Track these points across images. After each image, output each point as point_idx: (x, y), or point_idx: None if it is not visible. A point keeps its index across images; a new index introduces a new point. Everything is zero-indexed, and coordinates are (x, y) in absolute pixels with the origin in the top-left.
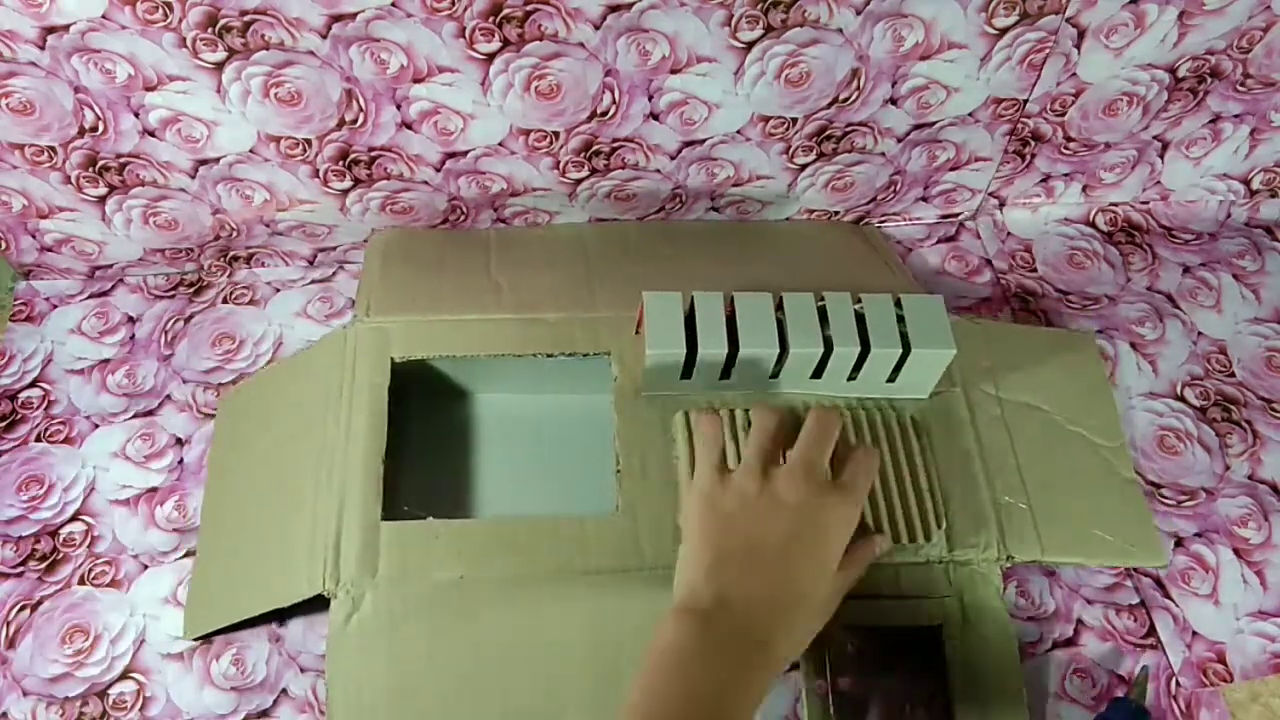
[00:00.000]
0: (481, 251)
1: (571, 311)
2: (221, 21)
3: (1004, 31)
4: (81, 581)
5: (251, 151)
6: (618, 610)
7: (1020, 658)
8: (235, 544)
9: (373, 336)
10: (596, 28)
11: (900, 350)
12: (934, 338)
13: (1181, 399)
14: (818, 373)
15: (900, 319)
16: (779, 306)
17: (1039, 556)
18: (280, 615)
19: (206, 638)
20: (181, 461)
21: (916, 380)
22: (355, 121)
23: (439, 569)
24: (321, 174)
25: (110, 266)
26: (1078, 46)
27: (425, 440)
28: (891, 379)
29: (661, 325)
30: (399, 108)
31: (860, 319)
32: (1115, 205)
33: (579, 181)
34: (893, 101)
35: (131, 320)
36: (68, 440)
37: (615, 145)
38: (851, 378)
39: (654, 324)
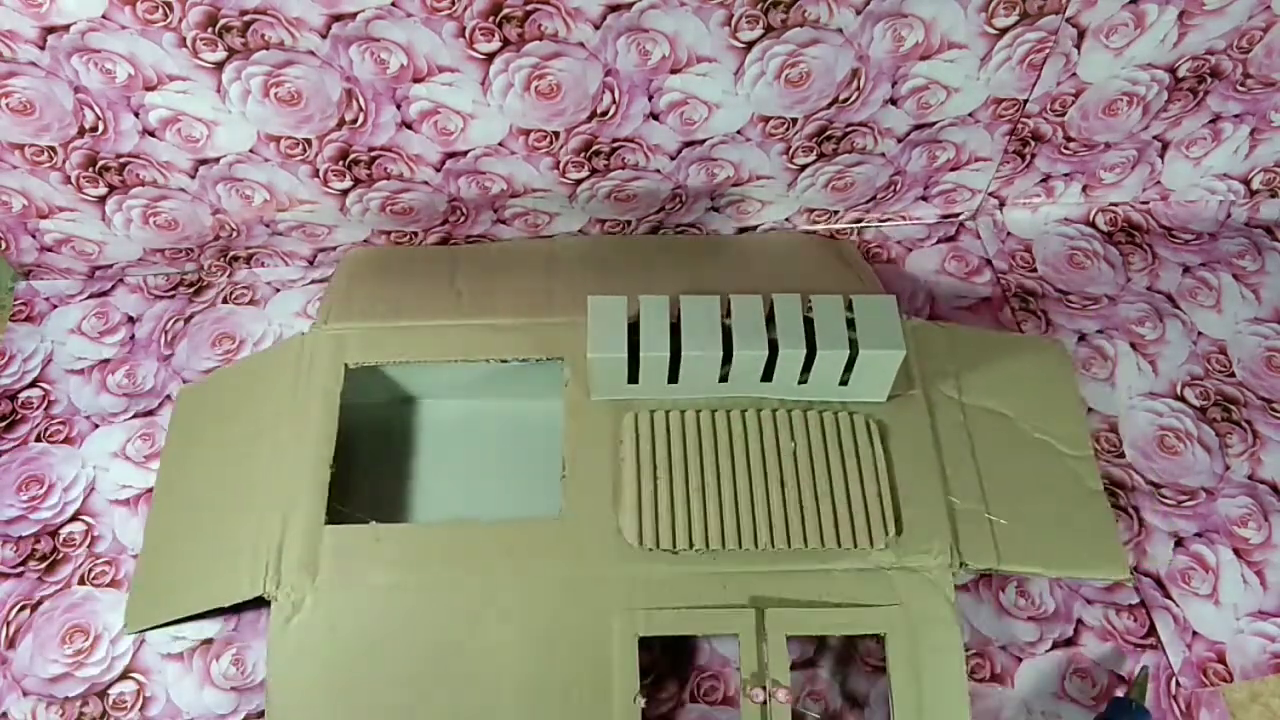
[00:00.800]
0: (448, 264)
1: (527, 317)
2: (221, 21)
3: (1004, 31)
4: (81, 581)
5: (251, 151)
6: (556, 614)
7: (967, 670)
8: (182, 540)
9: (329, 343)
10: (596, 27)
11: (848, 351)
12: (883, 339)
13: (1181, 399)
14: (767, 375)
15: (850, 321)
16: (725, 309)
17: (995, 565)
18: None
19: (207, 641)
20: None
21: (870, 382)
22: (355, 121)
23: (379, 572)
24: (321, 174)
25: (110, 266)
26: (1078, 46)
27: (376, 445)
28: (844, 381)
29: (604, 328)
30: (399, 108)
31: (809, 321)
32: (1115, 205)
33: (579, 182)
34: (893, 101)
35: (131, 320)
36: (68, 440)
37: (615, 145)
38: (802, 380)
39: (597, 327)
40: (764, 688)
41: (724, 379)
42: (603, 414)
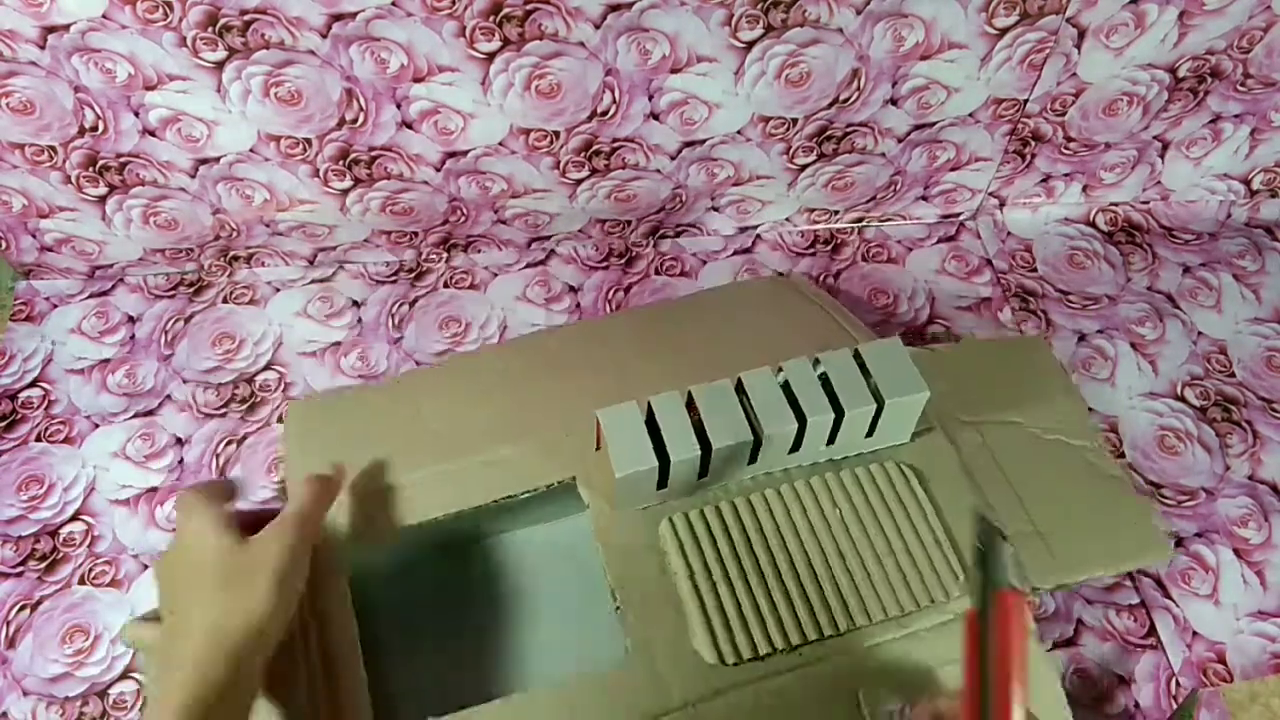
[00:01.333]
0: (407, 401)
1: (516, 443)
2: (221, 21)
3: (1004, 31)
4: (81, 581)
5: (251, 151)
6: None
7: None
8: None
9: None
10: (597, 27)
11: (874, 405)
12: (904, 384)
13: (1181, 399)
14: (795, 447)
15: (865, 371)
16: (739, 389)
17: (1061, 579)
18: None
19: None
20: (181, 461)
21: (895, 428)
22: (355, 121)
23: None
24: (321, 174)
25: (110, 266)
26: (1078, 46)
27: (401, 625)
28: (870, 433)
29: (625, 441)
30: (399, 107)
31: (826, 382)
32: (1115, 205)
33: (579, 182)
34: (893, 102)
35: (131, 320)
36: (68, 440)
37: (615, 145)
38: (830, 442)
39: (617, 441)
40: None
41: (752, 460)
42: (635, 529)
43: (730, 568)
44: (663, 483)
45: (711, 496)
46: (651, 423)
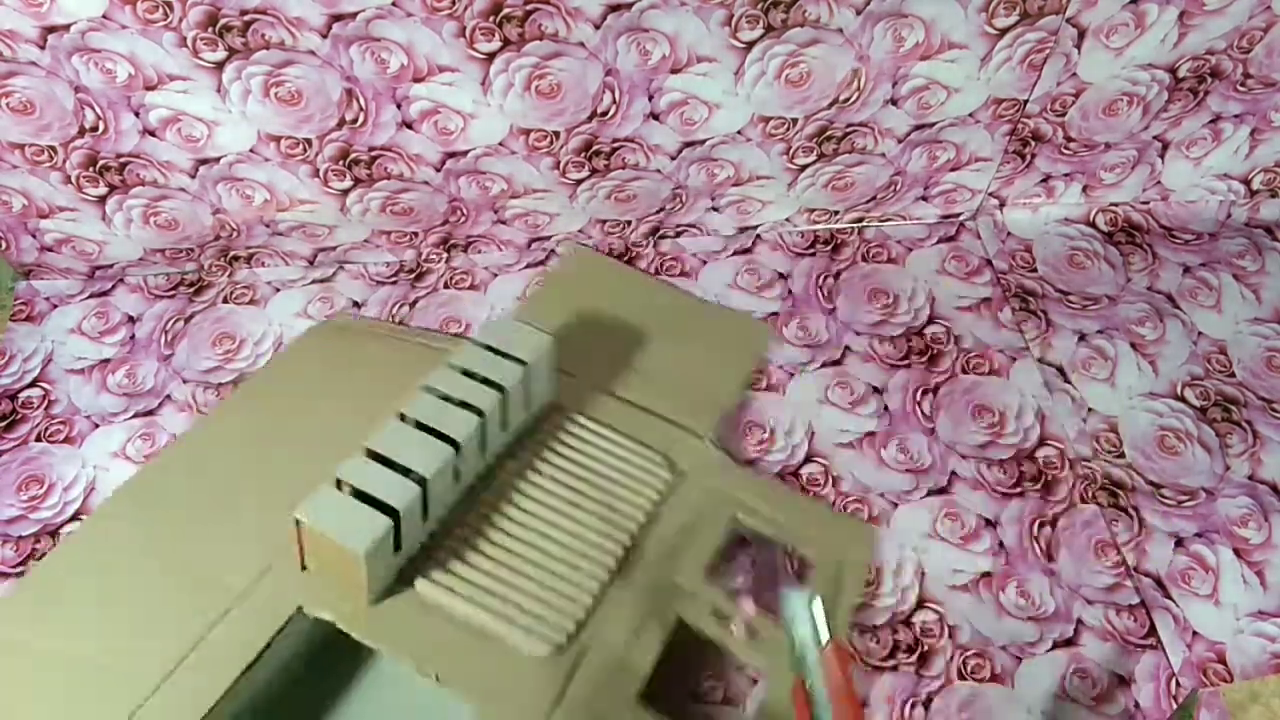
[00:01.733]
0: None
1: (205, 613)
2: (222, 21)
3: (1004, 31)
4: None
5: (252, 151)
6: None
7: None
8: None
9: None
10: (596, 27)
11: (521, 368)
12: (528, 342)
13: (1181, 399)
14: (482, 442)
15: (492, 349)
16: (405, 420)
17: (715, 417)
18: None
19: None
20: None
21: (540, 386)
22: (355, 121)
23: None
24: (321, 174)
25: (110, 266)
26: (1078, 46)
27: None
28: (527, 402)
29: (345, 523)
30: (399, 107)
31: (471, 374)
32: (1115, 205)
33: (579, 182)
34: (893, 102)
35: (131, 320)
36: (68, 440)
37: (615, 145)
38: (504, 425)
39: (337, 527)
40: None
41: (457, 476)
42: (396, 611)
43: (503, 574)
44: (398, 544)
45: (441, 535)
46: (356, 492)
